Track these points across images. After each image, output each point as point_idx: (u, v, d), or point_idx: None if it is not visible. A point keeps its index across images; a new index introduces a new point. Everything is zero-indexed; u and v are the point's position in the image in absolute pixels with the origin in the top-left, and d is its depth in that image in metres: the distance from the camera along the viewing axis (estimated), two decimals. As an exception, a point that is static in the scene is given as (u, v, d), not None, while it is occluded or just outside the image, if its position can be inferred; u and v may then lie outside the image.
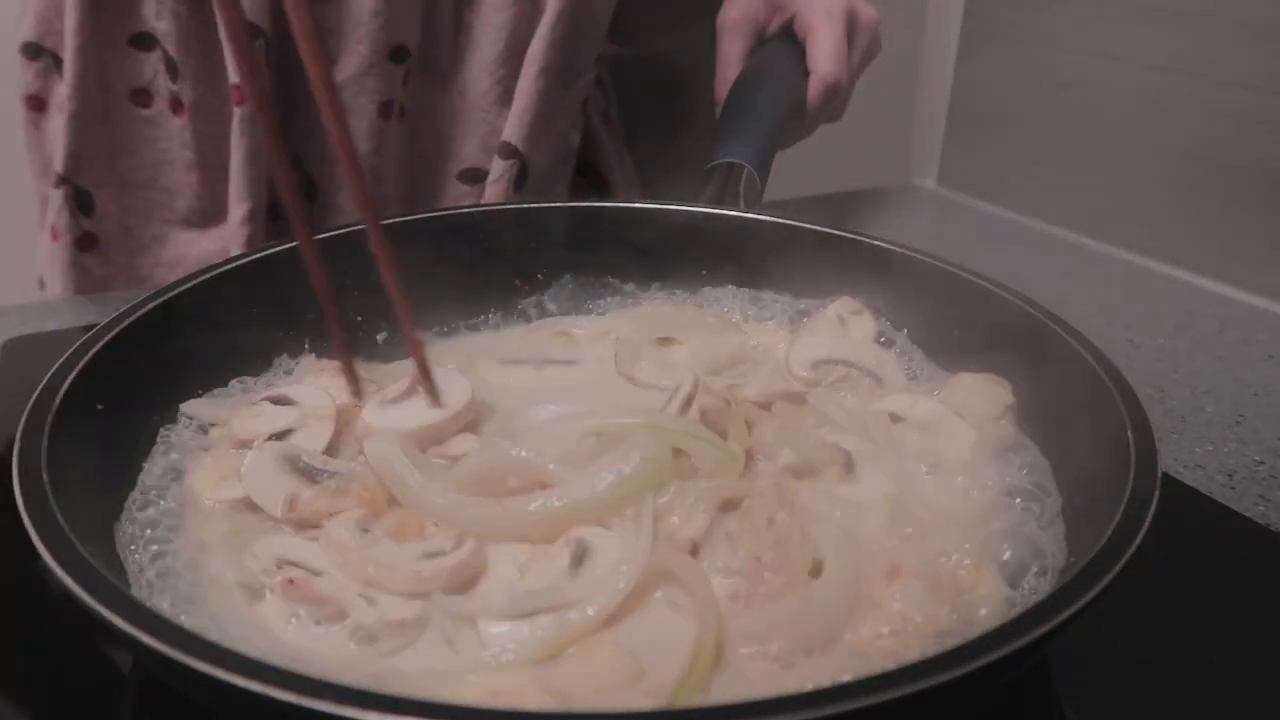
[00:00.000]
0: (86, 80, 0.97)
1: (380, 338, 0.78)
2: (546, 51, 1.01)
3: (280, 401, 0.66)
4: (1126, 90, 1.27)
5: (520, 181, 1.05)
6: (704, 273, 0.84)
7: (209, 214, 1.04)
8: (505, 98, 1.04)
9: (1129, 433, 0.55)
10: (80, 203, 1.02)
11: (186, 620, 0.50)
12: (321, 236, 0.76)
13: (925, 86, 1.59)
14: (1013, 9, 1.41)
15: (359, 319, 0.77)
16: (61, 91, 0.99)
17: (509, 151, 1.04)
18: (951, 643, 0.40)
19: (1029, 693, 0.56)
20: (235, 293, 0.71)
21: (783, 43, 1.05)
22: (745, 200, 0.87)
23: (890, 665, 0.40)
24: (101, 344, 0.60)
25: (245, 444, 0.62)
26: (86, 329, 0.62)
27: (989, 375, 0.70)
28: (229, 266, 0.72)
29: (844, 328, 0.77)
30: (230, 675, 0.38)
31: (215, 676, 0.38)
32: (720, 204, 0.86)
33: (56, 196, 1.02)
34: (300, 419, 0.64)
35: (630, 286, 0.85)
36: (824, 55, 1.00)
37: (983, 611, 0.52)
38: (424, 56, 1.02)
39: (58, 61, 1.00)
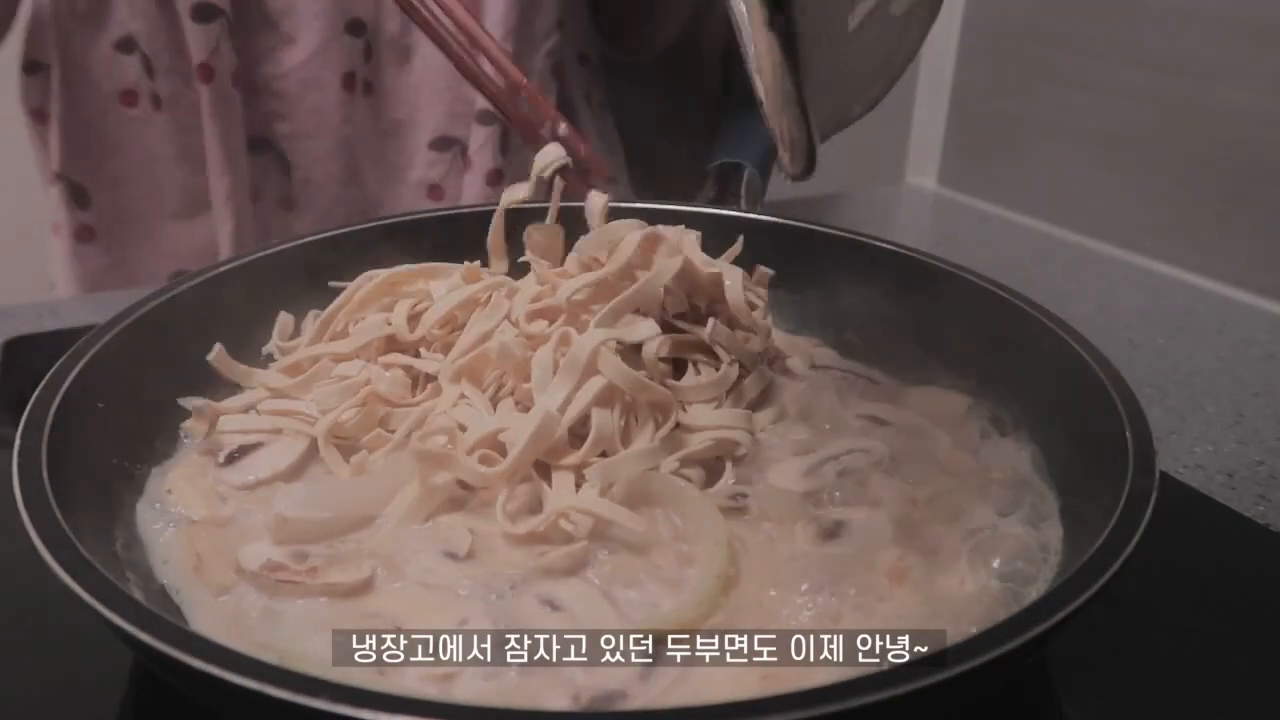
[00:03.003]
0: (76, 86, 1.01)
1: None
2: (506, 14, 1.04)
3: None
4: (1126, 90, 1.27)
5: (504, 145, 1.08)
6: (704, 273, 0.84)
7: (198, 203, 1.07)
8: None
9: (1127, 433, 0.54)
10: (77, 197, 1.06)
11: (187, 620, 0.50)
12: (306, 240, 0.76)
13: (925, 86, 1.59)
14: (1013, 9, 1.41)
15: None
16: (53, 94, 1.02)
17: (488, 118, 1.06)
18: (950, 642, 0.40)
19: (1029, 693, 0.56)
20: (237, 292, 0.71)
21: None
22: (746, 200, 0.87)
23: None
24: (101, 344, 0.60)
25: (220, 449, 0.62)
26: (87, 328, 0.62)
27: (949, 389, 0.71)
28: (230, 265, 0.72)
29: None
30: (229, 673, 0.38)
31: (214, 675, 0.38)
32: (721, 204, 0.85)
33: (55, 193, 1.06)
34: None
35: (630, 286, 0.85)
36: None
37: (981, 612, 0.52)
38: (381, 30, 1.06)
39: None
